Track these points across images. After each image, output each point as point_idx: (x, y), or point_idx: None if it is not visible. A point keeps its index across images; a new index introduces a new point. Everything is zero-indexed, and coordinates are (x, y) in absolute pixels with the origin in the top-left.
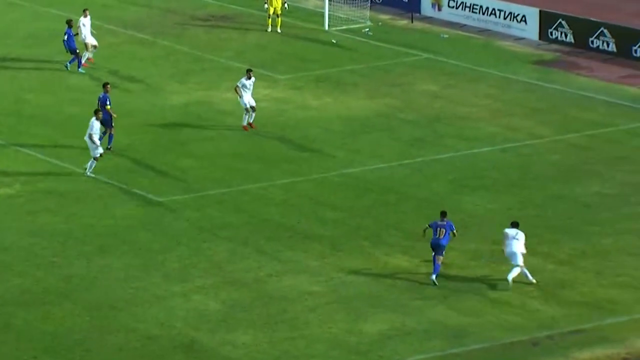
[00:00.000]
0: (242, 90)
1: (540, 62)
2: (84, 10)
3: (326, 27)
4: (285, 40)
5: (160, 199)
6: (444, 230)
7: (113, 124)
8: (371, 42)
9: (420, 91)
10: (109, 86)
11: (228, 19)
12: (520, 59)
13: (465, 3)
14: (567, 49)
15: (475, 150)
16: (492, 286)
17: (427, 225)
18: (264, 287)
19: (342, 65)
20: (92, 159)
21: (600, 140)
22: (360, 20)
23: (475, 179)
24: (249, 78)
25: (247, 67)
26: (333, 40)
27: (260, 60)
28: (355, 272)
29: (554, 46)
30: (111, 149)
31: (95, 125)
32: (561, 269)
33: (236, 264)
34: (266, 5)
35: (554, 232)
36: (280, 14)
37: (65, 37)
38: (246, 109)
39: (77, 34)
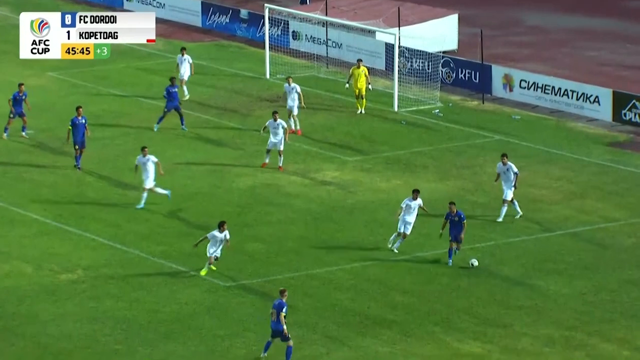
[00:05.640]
0: None
1: (614, 144)
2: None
3: (395, 108)
4: (354, 122)
5: (226, 284)
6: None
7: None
8: (441, 123)
9: (491, 173)
10: (80, 109)
11: None
12: (594, 140)
13: (537, 84)
14: None
15: (548, 234)
16: None
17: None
18: None
19: (411, 147)
20: None
21: None
22: (430, 101)
23: (548, 262)
24: None
25: (315, 149)
26: (402, 122)
27: (327, 142)
28: (426, 359)
29: (628, 127)
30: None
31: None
32: (637, 356)
33: (304, 350)
34: (347, 86)
35: (629, 318)
36: (365, 95)
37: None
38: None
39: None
